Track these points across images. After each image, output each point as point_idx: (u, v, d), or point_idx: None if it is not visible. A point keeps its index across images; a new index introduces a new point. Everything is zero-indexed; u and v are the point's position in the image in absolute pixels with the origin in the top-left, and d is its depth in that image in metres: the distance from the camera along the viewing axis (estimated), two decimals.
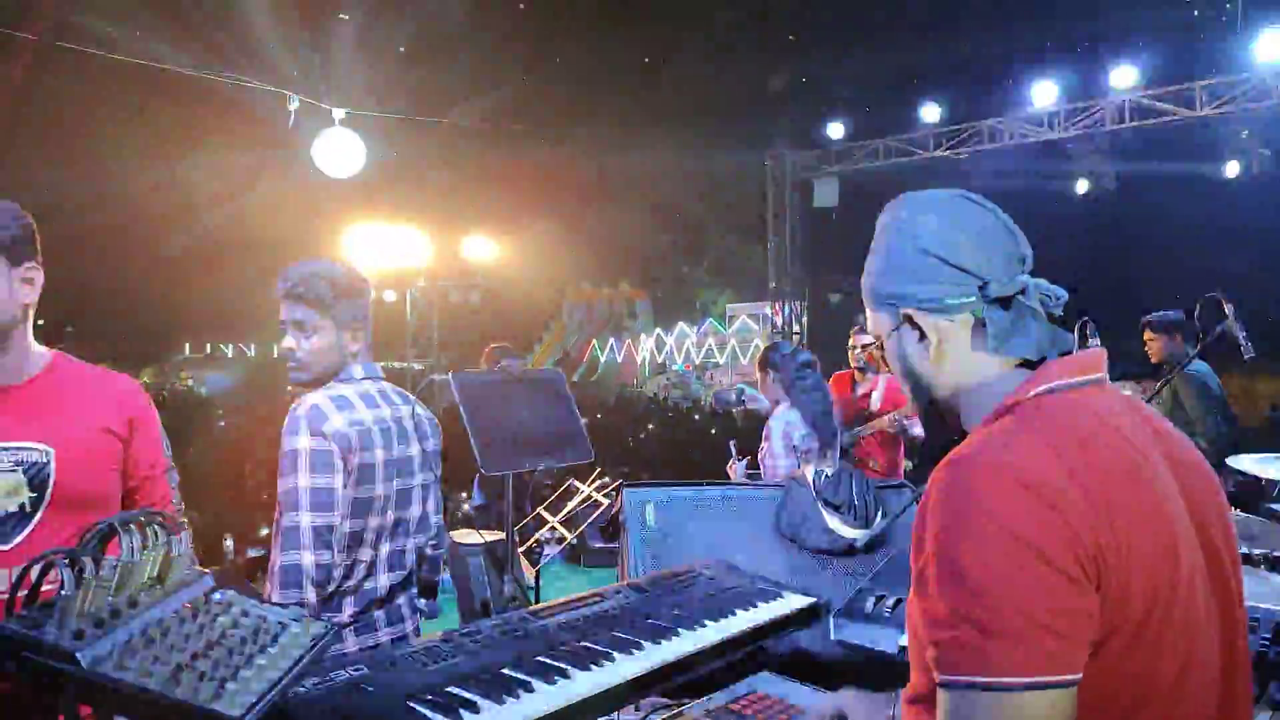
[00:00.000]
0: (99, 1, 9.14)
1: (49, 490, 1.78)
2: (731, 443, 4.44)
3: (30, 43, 8.18)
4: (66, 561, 1.03)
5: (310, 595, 2.02)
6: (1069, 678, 0.93)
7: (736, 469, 4.19)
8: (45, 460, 1.78)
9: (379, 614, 2.19)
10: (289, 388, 2.34)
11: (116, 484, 1.92)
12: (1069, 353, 1.16)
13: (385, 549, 2.22)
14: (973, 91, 12.33)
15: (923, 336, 1.18)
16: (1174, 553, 1.02)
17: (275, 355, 2.27)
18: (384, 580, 2.21)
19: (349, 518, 2.12)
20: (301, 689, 1.34)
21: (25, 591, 1.05)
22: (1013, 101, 11.81)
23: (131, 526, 1.13)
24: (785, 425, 3.81)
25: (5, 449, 1.77)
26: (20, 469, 1.76)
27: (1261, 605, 2.13)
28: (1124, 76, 10.82)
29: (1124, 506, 0.98)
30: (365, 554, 2.16)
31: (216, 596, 1.19)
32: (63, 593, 1.01)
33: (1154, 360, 5.24)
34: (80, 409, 1.89)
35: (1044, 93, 11.44)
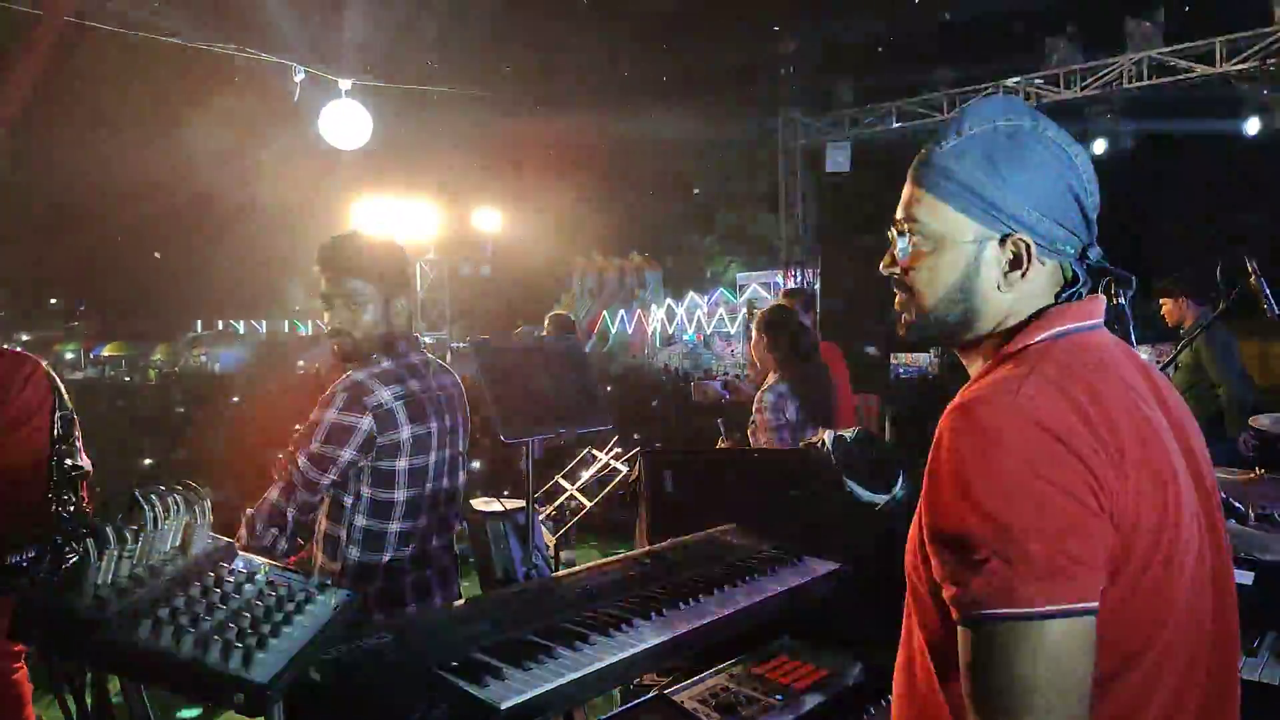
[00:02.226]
0: None
1: None
2: (720, 421, 4.42)
3: (36, 18, 8.12)
4: (89, 531, 1.03)
5: (283, 543, 2.13)
6: (1091, 605, 0.94)
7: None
8: None
9: (431, 575, 2.28)
10: (309, 366, 2.34)
11: None
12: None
13: (437, 515, 2.30)
14: (986, 51, 12.13)
15: (1015, 267, 1.11)
16: (1176, 496, 1.04)
17: (324, 329, 2.30)
18: (436, 543, 2.29)
19: (406, 487, 2.18)
20: (328, 656, 1.34)
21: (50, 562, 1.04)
22: (1028, 61, 11.61)
23: (153, 496, 1.12)
24: (776, 397, 3.71)
25: None
26: None
27: None
28: (1142, 33, 10.62)
29: (1131, 448, 1.00)
30: (423, 520, 2.24)
31: (239, 565, 1.18)
32: (87, 562, 1.00)
33: (1170, 324, 5.20)
34: None
35: (1059, 51, 11.25)
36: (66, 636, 0.97)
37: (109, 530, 1.03)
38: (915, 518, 1.10)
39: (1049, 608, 0.92)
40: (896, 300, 1.22)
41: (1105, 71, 10.86)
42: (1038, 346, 1.09)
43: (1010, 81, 11.60)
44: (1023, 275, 1.11)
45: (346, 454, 2.10)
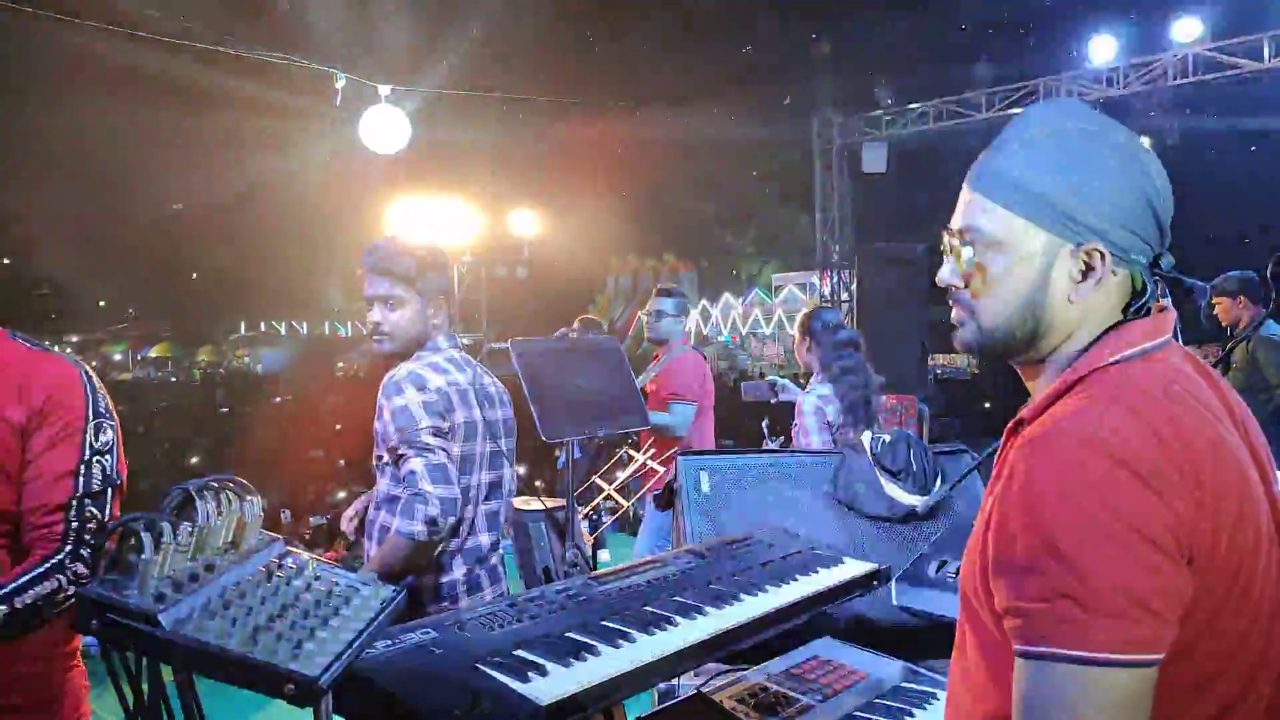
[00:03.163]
0: None
1: None
2: (764, 423, 4.39)
3: (80, 26, 8.32)
4: (146, 526, 1.06)
5: (443, 528, 2.12)
6: (1157, 657, 0.92)
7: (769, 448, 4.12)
8: None
9: (482, 572, 2.30)
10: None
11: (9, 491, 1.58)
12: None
13: (484, 508, 2.33)
14: (1027, 49, 11.99)
15: (1086, 275, 1.06)
16: (1255, 523, 1.00)
17: (363, 329, 2.40)
18: (485, 539, 2.32)
19: (472, 473, 2.23)
20: (372, 651, 1.37)
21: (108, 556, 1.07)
22: (1070, 58, 11.44)
23: (206, 492, 1.15)
24: (818, 400, 3.67)
25: None
26: None
27: None
28: (1187, 29, 10.42)
29: (1212, 480, 0.96)
30: (469, 511, 2.27)
31: (289, 561, 1.21)
32: (143, 556, 1.03)
33: (1224, 323, 5.09)
34: None
35: (1103, 48, 11.08)
36: (125, 629, 1.00)
37: (166, 525, 1.06)
38: (975, 537, 1.07)
39: (1114, 656, 0.90)
40: (954, 313, 1.17)
41: (1150, 68, 10.65)
42: (1112, 369, 1.05)
43: (1051, 79, 11.42)
44: (1096, 285, 1.07)
45: (452, 418, 2.13)
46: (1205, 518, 0.95)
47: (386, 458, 2.22)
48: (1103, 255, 1.06)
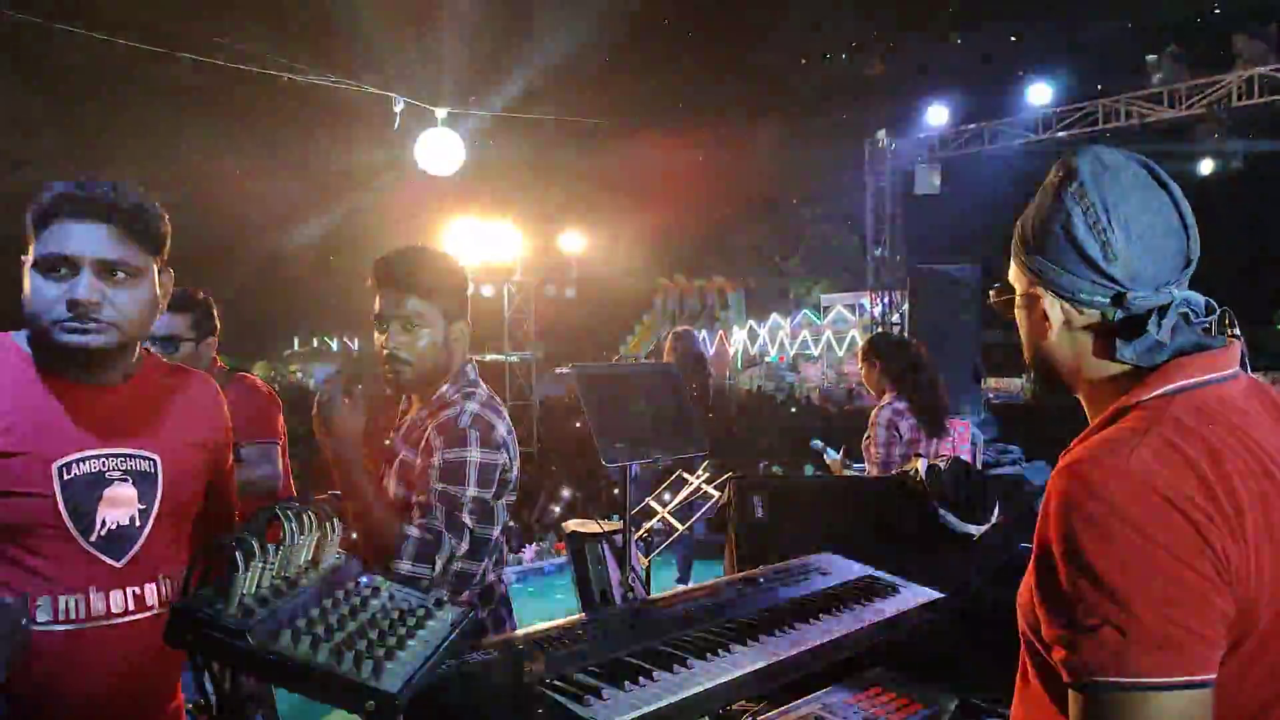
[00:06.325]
0: (211, 9, 9.64)
1: (156, 502, 1.58)
2: (817, 442, 4.39)
3: (146, 53, 8.60)
4: (237, 544, 1.11)
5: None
6: (1207, 677, 0.93)
7: (837, 462, 4.14)
8: (153, 470, 1.59)
9: (501, 607, 2.16)
10: (386, 391, 2.15)
11: (204, 492, 1.72)
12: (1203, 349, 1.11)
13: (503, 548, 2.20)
14: (1086, 70, 11.79)
15: (1044, 317, 1.14)
16: None
17: (374, 352, 2.09)
18: (494, 575, 2.16)
19: (497, 523, 2.06)
20: (440, 670, 1.40)
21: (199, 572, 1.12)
22: (1130, 79, 11.23)
23: (290, 512, 1.20)
24: (891, 414, 3.78)
25: (115, 456, 1.55)
26: (130, 479, 1.56)
27: None
28: (1252, 49, 10.19)
29: (1252, 512, 0.97)
30: (496, 556, 2.13)
31: (364, 580, 1.25)
32: (235, 574, 1.08)
33: None
34: (178, 412, 1.68)
35: (1163, 69, 10.87)
36: (216, 643, 1.05)
37: (254, 543, 1.11)
38: (1029, 568, 1.09)
39: (1162, 679, 0.92)
40: None
41: (1213, 89, 10.43)
42: (1156, 401, 1.06)
43: (1110, 100, 11.23)
44: (1061, 325, 1.12)
45: (492, 493, 1.94)
46: (1246, 552, 0.96)
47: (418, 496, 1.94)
48: (1040, 294, 1.14)
